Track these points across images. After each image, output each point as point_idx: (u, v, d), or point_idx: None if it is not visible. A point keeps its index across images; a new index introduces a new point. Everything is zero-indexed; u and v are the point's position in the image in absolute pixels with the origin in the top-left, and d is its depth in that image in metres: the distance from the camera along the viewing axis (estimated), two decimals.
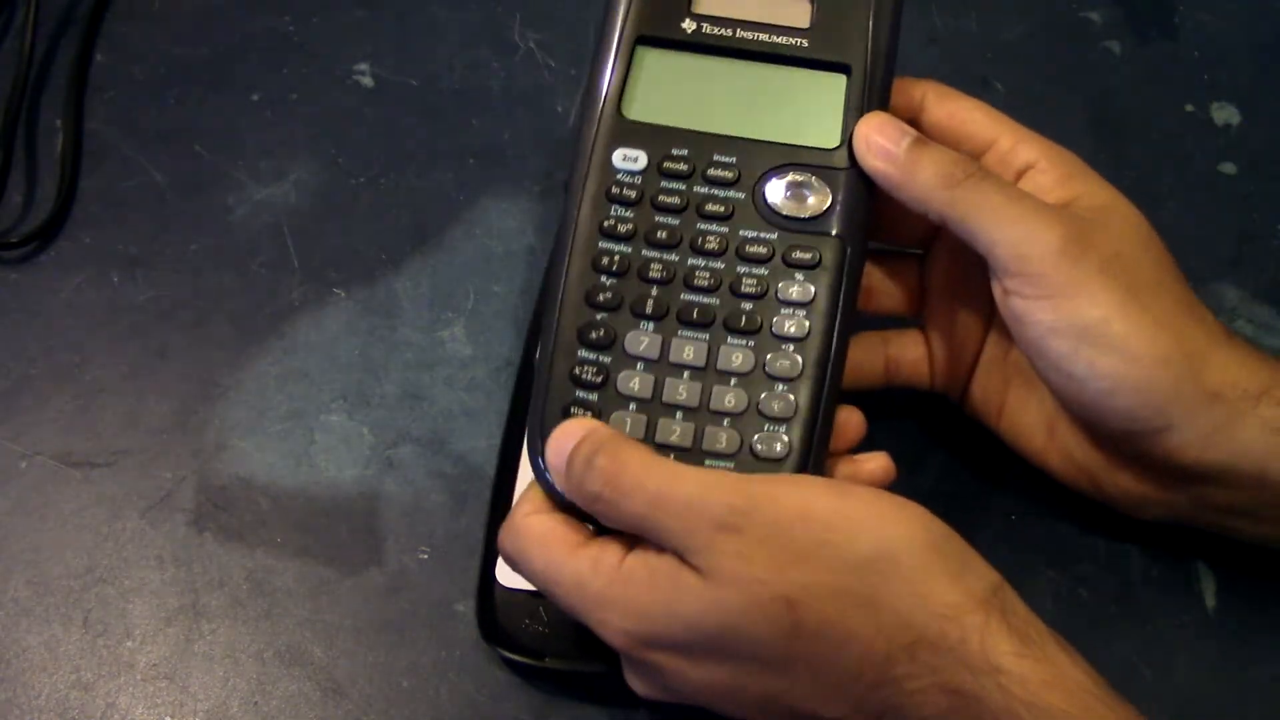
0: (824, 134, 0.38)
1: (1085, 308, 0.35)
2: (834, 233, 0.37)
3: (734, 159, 0.37)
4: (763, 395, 0.36)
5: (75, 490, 0.45)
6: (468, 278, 0.49)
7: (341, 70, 0.55)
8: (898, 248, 0.43)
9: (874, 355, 0.42)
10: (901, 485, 0.37)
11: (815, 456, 0.36)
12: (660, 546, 0.33)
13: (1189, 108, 0.53)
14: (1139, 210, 0.38)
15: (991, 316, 0.41)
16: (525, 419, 0.43)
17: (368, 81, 0.55)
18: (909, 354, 0.42)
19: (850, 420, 0.38)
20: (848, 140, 0.37)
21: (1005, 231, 0.36)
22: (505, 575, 0.40)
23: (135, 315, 0.49)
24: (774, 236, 0.37)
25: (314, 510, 0.44)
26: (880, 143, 0.37)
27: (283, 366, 0.47)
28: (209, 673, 0.41)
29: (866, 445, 0.38)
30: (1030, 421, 0.40)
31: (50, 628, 0.42)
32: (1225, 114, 0.52)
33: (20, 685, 0.41)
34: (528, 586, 0.40)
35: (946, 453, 0.45)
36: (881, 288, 0.42)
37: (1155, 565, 0.42)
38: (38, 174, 0.53)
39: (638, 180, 0.37)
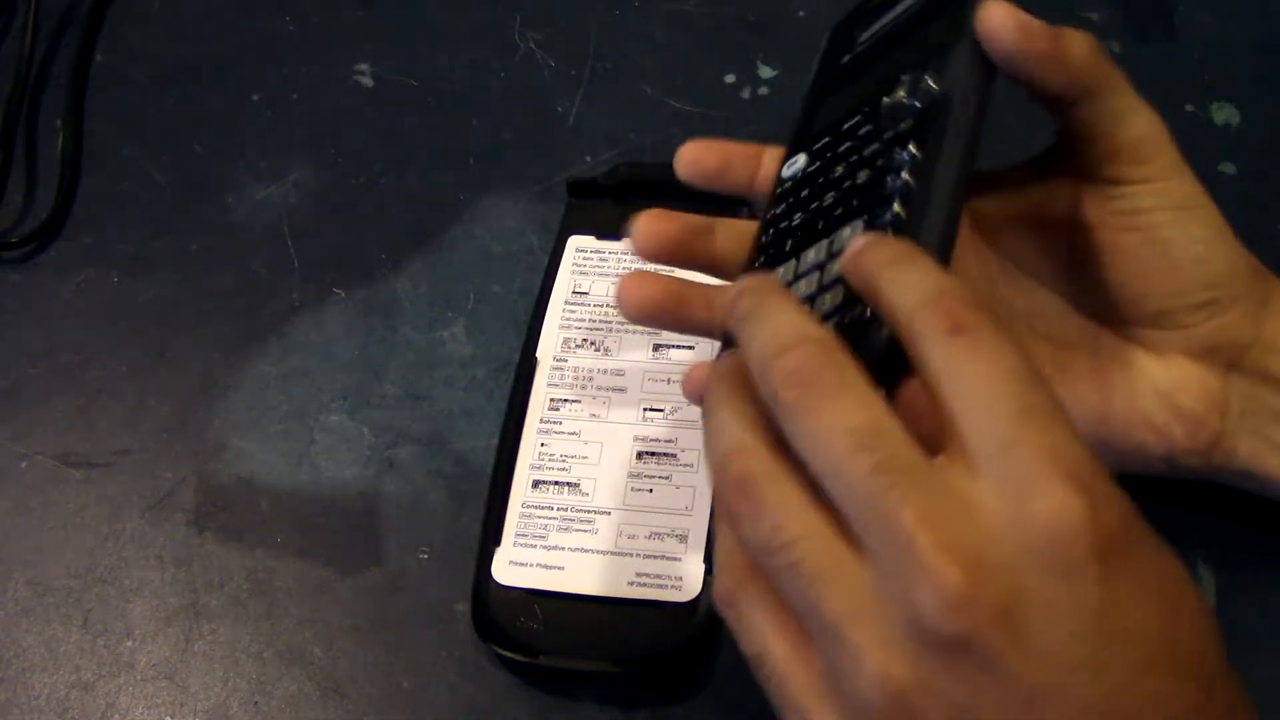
0: (942, 39, 0.36)
1: (1186, 184, 0.37)
2: (935, 98, 0.34)
3: (868, 107, 0.36)
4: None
5: (75, 490, 0.45)
6: (468, 278, 0.49)
7: (341, 70, 0.55)
8: None
9: None
10: None
11: None
12: None
13: (1189, 108, 0.52)
14: None
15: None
16: (524, 419, 0.44)
17: (368, 81, 0.55)
18: None
19: None
20: (958, 26, 0.35)
21: (1141, 111, 0.36)
22: (500, 572, 0.40)
23: (135, 315, 0.49)
24: (888, 134, 0.35)
25: (314, 510, 0.44)
26: (1020, 20, 0.34)
27: (283, 366, 0.47)
28: (209, 673, 0.41)
29: None
30: (1072, 383, 0.39)
31: (50, 628, 0.42)
32: (1225, 114, 0.52)
33: (20, 685, 0.41)
34: (523, 584, 0.40)
35: None
36: None
37: None
38: (38, 174, 0.53)
39: (797, 175, 0.37)
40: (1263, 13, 0.55)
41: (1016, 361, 0.26)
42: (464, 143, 0.53)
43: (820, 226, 0.34)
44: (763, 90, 0.53)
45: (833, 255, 0.33)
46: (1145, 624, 0.25)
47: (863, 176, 0.34)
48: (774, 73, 0.54)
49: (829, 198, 0.35)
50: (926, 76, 0.35)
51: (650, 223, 0.38)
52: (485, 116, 0.54)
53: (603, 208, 0.48)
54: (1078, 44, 0.35)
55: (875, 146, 0.35)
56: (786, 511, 0.27)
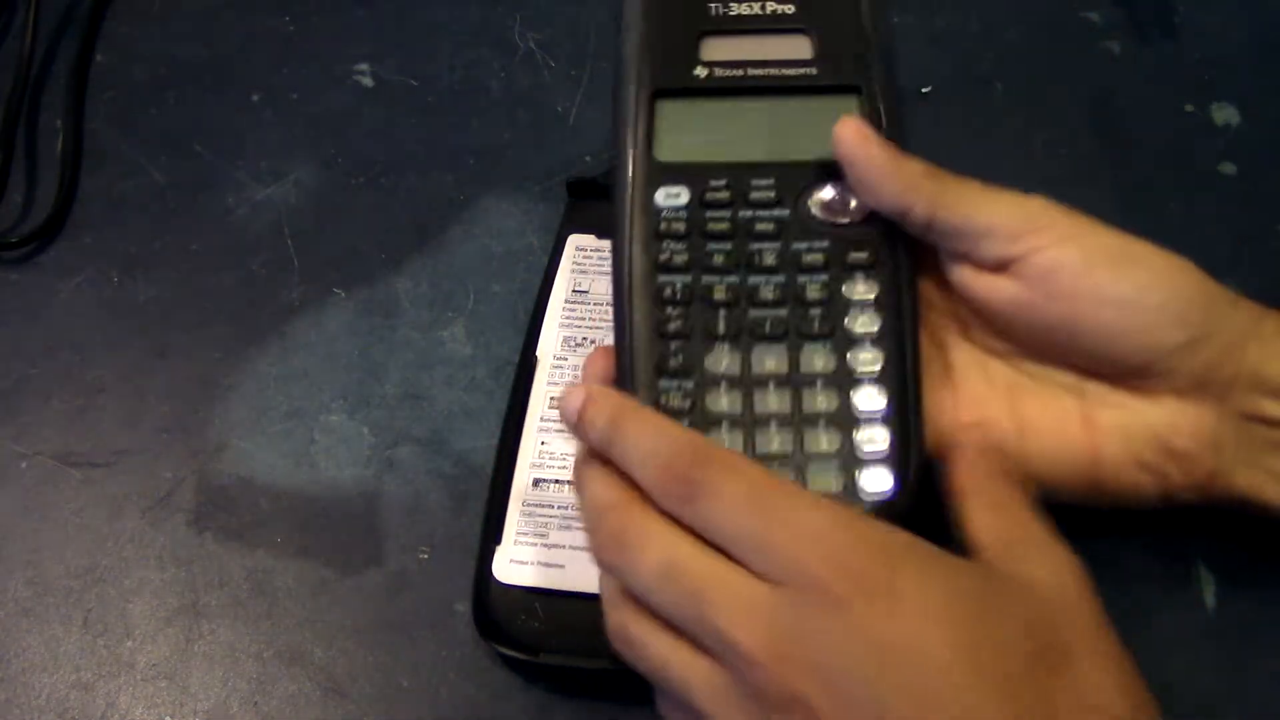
0: None
1: (1105, 237, 0.36)
2: (882, 230, 0.37)
3: (771, 181, 0.38)
4: (853, 393, 0.36)
5: (75, 490, 0.45)
6: (468, 278, 0.49)
7: (341, 70, 0.55)
8: None
9: None
10: None
11: (915, 446, 0.36)
12: None
13: (1189, 108, 0.53)
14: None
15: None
16: (524, 417, 0.44)
17: (368, 81, 0.55)
18: None
19: None
20: None
21: (1001, 203, 0.37)
22: (501, 571, 0.40)
23: (135, 315, 0.49)
24: (826, 244, 0.37)
25: (314, 510, 0.44)
26: (865, 137, 0.37)
27: (283, 366, 0.47)
28: (209, 673, 0.41)
29: None
30: (1060, 426, 0.39)
31: (50, 628, 0.42)
32: (1225, 114, 0.52)
33: (20, 685, 0.41)
34: (524, 582, 0.40)
35: None
36: None
37: (1155, 565, 0.42)
38: (38, 174, 0.53)
39: (683, 214, 0.38)
40: (1263, 13, 0.55)
41: (748, 486, 0.32)
42: (464, 143, 0.53)
43: (768, 327, 0.36)
44: None
45: (807, 378, 0.36)
46: (926, 636, 0.30)
47: (814, 292, 0.37)
48: None
49: (769, 290, 0.37)
50: (867, 221, 0.37)
51: (591, 363, 0.38)
52: (485, 116, 0.54)
53: (603, 207, 0.48)
54: (911, 164, 0.37)
55: (817, 257, 0.37)
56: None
